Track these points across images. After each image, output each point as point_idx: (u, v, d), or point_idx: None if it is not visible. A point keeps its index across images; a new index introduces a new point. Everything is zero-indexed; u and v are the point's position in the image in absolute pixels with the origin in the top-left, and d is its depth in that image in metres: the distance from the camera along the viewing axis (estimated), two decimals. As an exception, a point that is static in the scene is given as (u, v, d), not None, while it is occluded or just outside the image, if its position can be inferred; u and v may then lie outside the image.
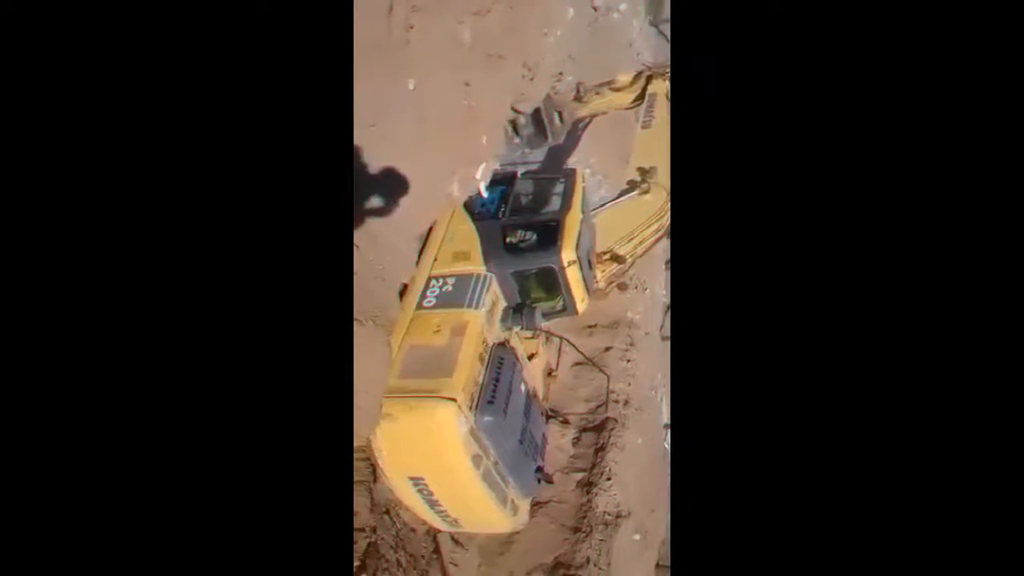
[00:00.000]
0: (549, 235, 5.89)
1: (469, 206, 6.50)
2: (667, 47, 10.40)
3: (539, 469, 6.15)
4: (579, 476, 7.60)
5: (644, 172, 6.44)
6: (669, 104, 6.36)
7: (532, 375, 6.66)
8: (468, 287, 5.85)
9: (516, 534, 6.72)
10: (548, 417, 7.33)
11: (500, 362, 5.72)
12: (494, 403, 5.41)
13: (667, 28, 10.31)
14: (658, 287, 10.18)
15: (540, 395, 7.01)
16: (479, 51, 6.10)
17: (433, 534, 6.19)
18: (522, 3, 6.45)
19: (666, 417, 9.77)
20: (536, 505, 7.19)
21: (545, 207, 6.27)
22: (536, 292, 6.14)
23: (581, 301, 6.18)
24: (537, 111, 6.70)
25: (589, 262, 6.28)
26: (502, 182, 6.65)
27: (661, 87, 6.59)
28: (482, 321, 5.71)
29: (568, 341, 8.27)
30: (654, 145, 6.42)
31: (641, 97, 6.68)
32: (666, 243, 6.89)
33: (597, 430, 8.09)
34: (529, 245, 5.95)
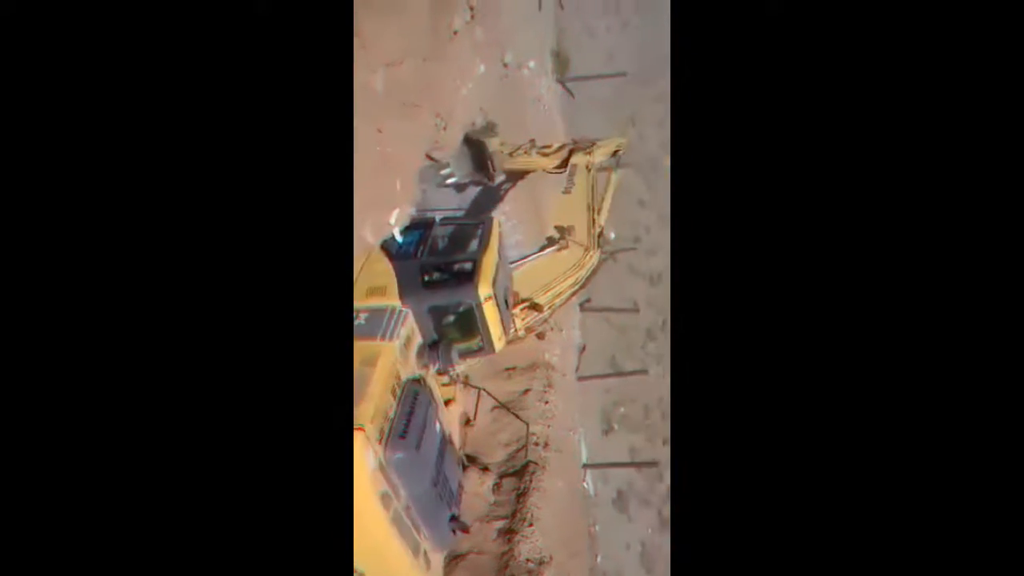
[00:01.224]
0: (466, 272, 5.98)
1: (386, 248, 6.48)
2: (572, 103, 11.17)
3: (454, 518, 5.76)
4: (500, 524, 7.42)
5: (562, 230, 6.91)
6: (589, 175, 6.98)
7: (449, 421, 6.49)
8: (382, 320, 5.66)
9: (435, 592, 6.38)
10: (465, 466, 7.12)
11: (414, 397, 5.42)
12: (406, 438, 5.06)
13: (572, 86, 11.09)
14: (573, 329, 10.49)
15: (456, 443, 6.80)
16: (393, 99, 6.20)
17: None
18: (434, 56, 6.68)
19: (584, 457, 9.88)
20: (454, 559, 6.90)
21: (463, 250, 6.36)
22: (453, 333, 6.11)
23: (499, 339, 6.21)
24: (480, 149, 6.97)
25: (506, 302, 6.38)
26: (419, 227, 6.73)
27: (582, 159, 7.18)
28: (395, 353, 5.48)
29: (486, 391, 8.22)
30: (572, 208, 6.97)
31: (563, 165, 7.23)
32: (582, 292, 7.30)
33: (518, 475, 8.00)
34: (446, 281, 5.96)
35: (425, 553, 5.49)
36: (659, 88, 10.16)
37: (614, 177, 7.47)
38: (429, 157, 6.94)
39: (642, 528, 10.81)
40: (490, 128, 7.33)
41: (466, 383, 7.75)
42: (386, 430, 5.00)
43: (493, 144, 6.91)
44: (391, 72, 6.01)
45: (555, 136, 9.29)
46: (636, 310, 11.06)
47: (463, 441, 7.43)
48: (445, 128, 6.72)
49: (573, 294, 6.88)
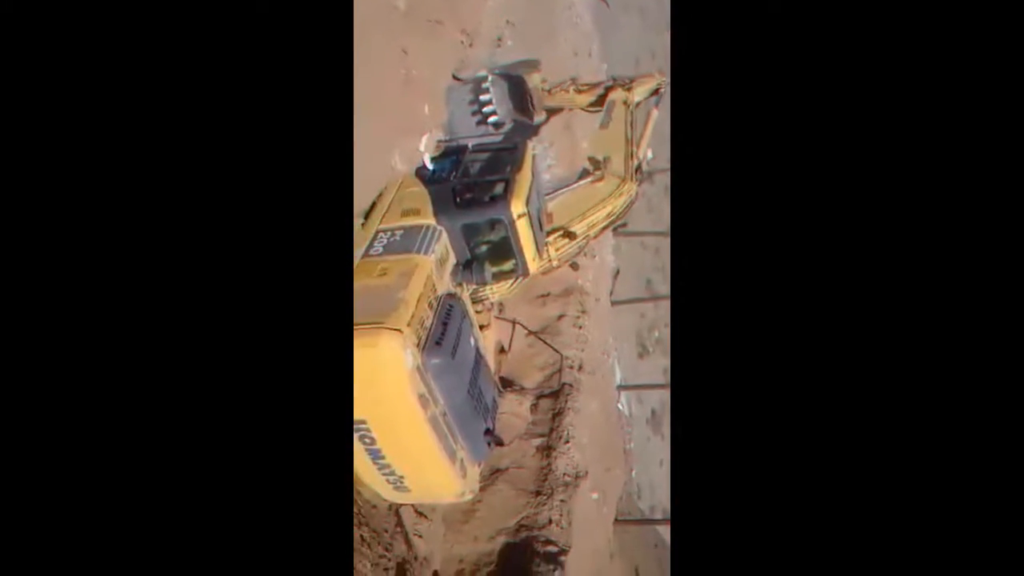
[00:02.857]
0: (499, 191, 5.94)
1: (419, 173, 6.45)
2: (606, 13, 10.40)
3: (489, 432, 5.82)
4: (538, 441, 7.76)
5: (597, 162, 6.81)
6: (627, 111, 6.91)
7: (483, 345, 6.64)
8: (417, 236, 5.64)
9: (478, 502, 6.82)
10: (500, 391, 7.35)
11: (449, 310, 5.43)
12: (442, 345, 5.08)
13: (606, -8, 10.27)
14: (607, 254, 10.38)
15: (492, 368, 6.98)
16: (416, 17, 5.89)
17: (395, 508, 6.21)
18: (457, -35, 6.25)
19: (619, 378, 10.08)
20: (496, 472, 7.30)
21: (496, 172, 6.28)
22: (488, 255, 6.11)
23: (532, 260, 6.20)
24: (520, 86, 6.85)
25: (540, 223, 6.35)
26: (452, 154, 6.66)
27: (620, 95, 7.07)
28: (431, 266, 5.45)
29: (520, 323, 8.33)
30: (609, 142, 6.87)
31: (600, 102, 7.13)
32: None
33: (554, 396, 8.26)
34: (479, 198, 5.93)
35: (462, 461, 5.54)
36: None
37: (655, 113, 7.24)
38: (456, 78, 6.69)
39: (675, 446, 11.10)
40: (531, 65, 7.14)
41: (500, 314, 7.86)
42: (423, 337, 5.02)
43: (533, 80, 6.78)
44: (413, -14, 5.66)
45: (589, 49, 8.76)
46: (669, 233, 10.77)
47: (498, 368, 7.64)
48: (471, 45, 6.39)
49: (608, 225, 6.85)
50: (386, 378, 4.75)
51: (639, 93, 7.10)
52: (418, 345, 4.95)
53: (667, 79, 7.55)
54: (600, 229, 6.83)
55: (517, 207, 5.82)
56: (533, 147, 6.83)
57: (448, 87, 6.67)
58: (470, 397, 5.50)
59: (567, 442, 7.78)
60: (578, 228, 6.66)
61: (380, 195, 6.35)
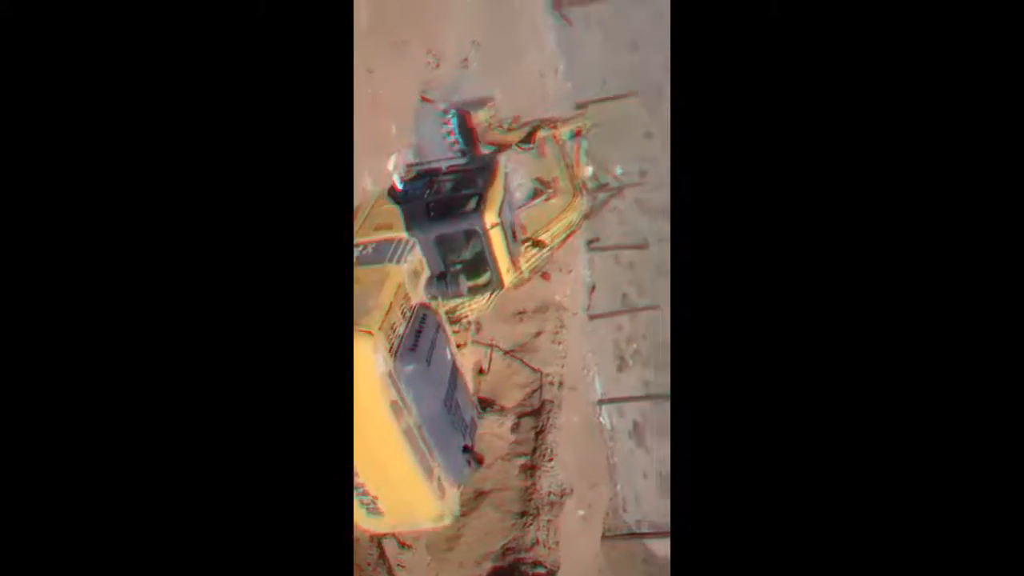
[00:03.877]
0: (472, 203, 5.94)
1: (391, 194, 6.44)
2: (569, 32, 10.61)
3: (467, 448, 5.52)
4: (521, 461, 7.63)
5: (546, 182, 7.41)
6: (556, 143, 7.59)
7: (461, 363, 6.49)
8: (390, 248, 5.56)
9: (462, 527, 6.64)
10: (480, 410, 7.20)
11: (423, 319, 5.24)
12: (416, 351, 4.85)
13: (570, 14, 10.49)
14: (581, 269, 10.41)
15: (470, 388, 6.83)
16: (380, 37, 5.88)
17: (377, 540, 5.99)
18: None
19: (599, 392, 10.03)
20: (481, 495, 7.13)
21: (468, 188, 6.30)
22: (462, 270, 6.05)
23: (507, 271, 6.19)
24: (466, 123, 7.38)
25: (513, 234, 6.39)
26: (424, 176, 6.70)
27: (546, 133, 7.66)
28: (404, 275, 5.33)
29: (496, 346, 8.32)
30: (550, 167, 7.53)
31: (530, 140, 7.73)
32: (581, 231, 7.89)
33: (535, 414, 8.16)
34: (452, 210, 5.92)
35: (439, 481, 5.25)
36: (659, 6, 9.57)
37: (584, 143, 7.96)
38: (424, 98, 6.71)
39: (659, 457, 11.11)
40: (483, 101, 7.73)
41: (478, 331, 7.81)
42: (395, 344, 4.81)
43: (480, 117, 7.36)
44: (376, 4, 5.66)
45: (555, 68, 8.93)
46: (645, 246, 10.90)
47: (477, 388, 7.52)
48: (438, 66, 6.41)
49: (568, 235, 7.37)
50: (356, 384, 4.39)
51: (564, 132, 7.68)
52: (390, 351, 4.76)
53: (590, 122, 8.30)
54: (561, 240, 7.30)
55: (490, 217, 5.83)
56: (505, 164, 6.93)
57: (417, 109, 6.70)
58: (446, 410, 5.24)
59: (551, 459, 7.67)
60: (545, 237, 6.99)
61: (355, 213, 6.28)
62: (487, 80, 8.01)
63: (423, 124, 7.04)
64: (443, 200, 6.09)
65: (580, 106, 10.72)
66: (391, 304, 4.98)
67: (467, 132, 7.43)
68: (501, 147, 7.84)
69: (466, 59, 7.54)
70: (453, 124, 7.33)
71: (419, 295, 5.65)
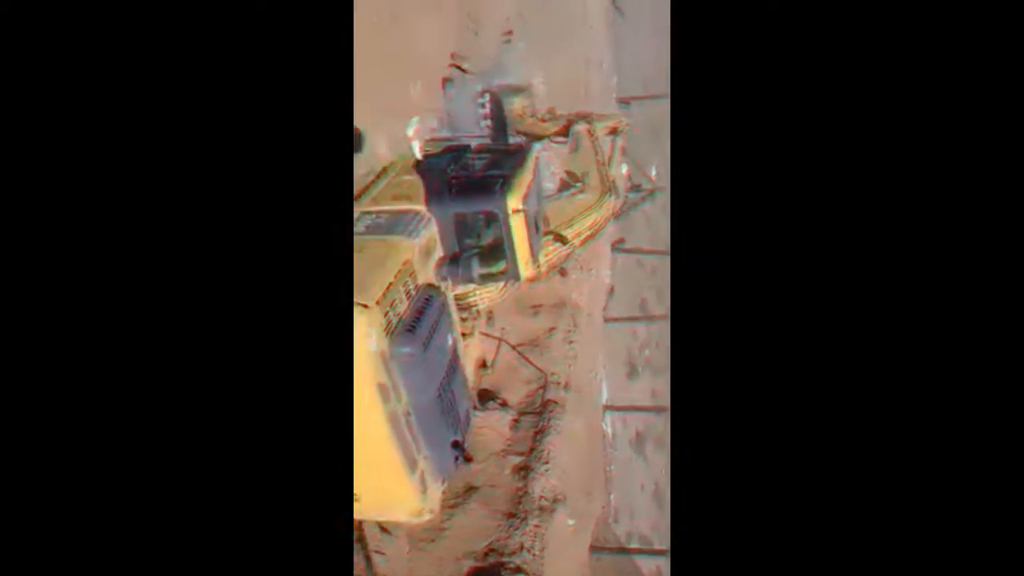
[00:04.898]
0: (496, 183, 5.58)
1: (416, 166, 6.16)
2: (620, 24, 10.20)
3: (457, 444, 5.24)
4: (516, 460, 7.40)
5: (577, 177, 7.01)
6: (592, 138, 7.37)
7: (463, 353, 6.20)
8: (403, 221, 5.28)
9: (447, 520, 6.45)
10: (477, 405, 6.95)
11: (427, 300, 4.97)
12: (414, 333, 4.62)
13: (624, 5, 10.09)
14: (603, 269, 10.10)
15: (469, 380, 6.53)
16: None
17: (358, 523, 5.82)
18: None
19: (605, 398, 9.77)
20: (471, 489, 6.93)
21: (497, 169, 5.93)
22: (477, 254, 5.69)
23: (525, 263, 5.80)
24: (500, 109, 7.17)
25: (537, 226, 6.04)
26: (452, 151, 6.41)
27: (582, 126, 7.41)
28: (413, 252, 5.07)
29: (506, 341, 8.04)
30: (583, 162, 7.18)
31: (563, 133, 7.48)
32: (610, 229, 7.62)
33: (537, 413, 7.93)
34: (474, 188, 5.56)
35: (423, 475, 4.98)
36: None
37: (619, 141, 7.69)
38: (458, 66, 6.39)
39: (657, 470, 10.85)
40: (519, 89, 7.48)
41: (487, 327, 7.59)
42: (394, 322, 4.57)
43: (513, 105, 7.10)
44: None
45: (600, 60, 8.55)
46: (668, 252, 10.59)
47: (477, 381, 7.27)
48: (476, 33, 6.00)
49: (592, 235, 7.05)
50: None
51: (599, 129, 7.43)
52: (386, 330, 4.49)
53: (628, 122, 8.11)
54: (583, 239, 6.93)
55: (513, 202, 5.47)
56: (538, 152, 6.65)
57: (448, 76, 6.38)
58: (440, 400, 4.97)
59: (546, 463, 7.43)
60: (567, 233, 6.64)
61: (372, 179, 6.02)
62: (528, 62, 7.68)
63: (454, 97, 6.72)
64: (467, 178, 5.74)
65: (622, 102, 10.45)
66: (394, 280, 4.71)
67: (501, 118, 7.18)
68: (534, 138, 7.69)
69: (510, 31, 7.18)
70: (488, 108, 7.04)
71: (427, 274, 5.34)
